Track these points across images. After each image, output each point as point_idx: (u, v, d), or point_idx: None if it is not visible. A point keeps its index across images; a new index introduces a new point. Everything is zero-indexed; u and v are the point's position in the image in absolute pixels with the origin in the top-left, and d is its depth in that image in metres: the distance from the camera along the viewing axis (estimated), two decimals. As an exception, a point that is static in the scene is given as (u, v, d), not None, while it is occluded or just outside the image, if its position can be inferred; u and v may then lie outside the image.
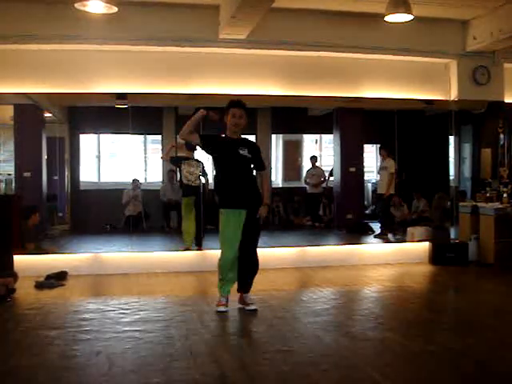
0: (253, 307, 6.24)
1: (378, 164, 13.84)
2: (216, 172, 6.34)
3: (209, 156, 6.48)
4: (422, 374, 4.36)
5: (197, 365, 4.49)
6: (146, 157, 13.60)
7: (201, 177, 9.85)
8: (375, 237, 11.01)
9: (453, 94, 9.84)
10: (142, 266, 8.64)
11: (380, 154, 11.65)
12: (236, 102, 6.16)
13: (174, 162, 10.14)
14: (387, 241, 10.48)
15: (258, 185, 6.32)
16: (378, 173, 11.74)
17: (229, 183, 6.16)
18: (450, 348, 4.95)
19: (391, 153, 10.97)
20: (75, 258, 8.71)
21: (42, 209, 10.03)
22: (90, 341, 5.13)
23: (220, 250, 6.28)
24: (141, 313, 6.16)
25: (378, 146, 14.12)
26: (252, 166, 6.23)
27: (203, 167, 9.91)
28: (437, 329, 5.71)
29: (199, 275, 8.43)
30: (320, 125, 13.47)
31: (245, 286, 6.34)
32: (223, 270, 6.23)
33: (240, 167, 6.13)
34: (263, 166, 6.37)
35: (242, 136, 6.27)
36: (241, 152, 6.06)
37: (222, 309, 6.17)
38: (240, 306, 6.33)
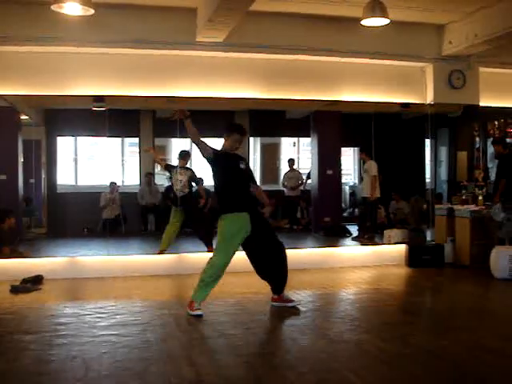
0: (295, 303, 6.53)
1: (356, 167, 13.97)
2: (219, 182, 6.48)
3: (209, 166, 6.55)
4: (398, 376, 4.39)
5: (173, 368, 4.47)
6: (123, 160, 13.54)
7: (192, 183, 9.79)
8: (366, 238, 11.02)
9: (429, 98, 9.93)
10: (119, 270, 8.60)
11: (360, 157, 11.69)
12: (243, 130, 6.55)
13: (168, 169, 10.04)
14: (374, 243, 10.49)
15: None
16: (362, 176, 11.75)
17: (233, 192, 6.39)
18: (427, 350, 4.98)
19: (369, 155, 11.02)
20: (51, 261, 8.63)
21: (18, 212, 9.95)
22: (66, 345, 5.09)
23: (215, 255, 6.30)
24: (117, 317, 6.13)
25: (356, 148, 14.25)
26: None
27: (193, 174, 9.84)
28: (413, 330, 5.74)
29: (176, 278, 8.42)
30: (298, 128, 13.53)
31: (283, 285, 6.59)
32: (212, 273, 6.17)
33: (242, 178, 6.45)
34: (254, 180, 6.81)
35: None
36: (241, 166, 6.44)
37: (197, 313, 6.16)
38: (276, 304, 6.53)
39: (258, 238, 6.37)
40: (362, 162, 11.71)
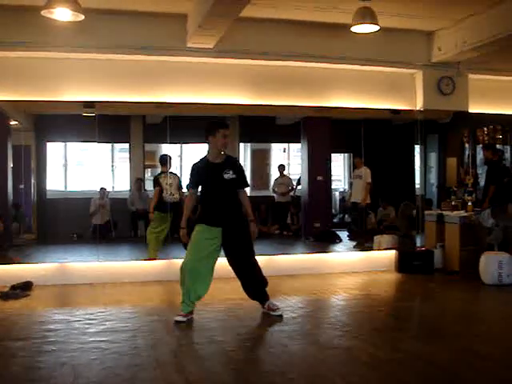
0: (277, 313, 6.39)
1: (346, 174, 13.98)
2: (201, 193, 6.51)
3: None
4: (388, 382, 4.40)
5: (163, 375, 4.47)
6: (113, 165, 13.52)
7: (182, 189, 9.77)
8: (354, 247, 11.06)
9: (418, 104, 9.96)
10: (109, 276, 8.57)
11: (354, 162, 11.69)
12: (222, 122, 6.53)
13: (154, 181, 9.95)
14: (364, 248, 10.51)
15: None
16: (351, 181, 11.75)
17: (210, 204, 6.38)
18: (416, 355, 4.99)
19: (363, 161, 11.05)
20: (41, 267, 8.58)
21: (8, 218, 9.91)
22: (55, 352, 5.07)
23: None
24: (107, 323, 6.11)
25: (346, 154, 14.29)
26: (235, 184, 6.40)
27: (180, 179, 9.83)
28: (403, 336, 5.76)
29: (166, 284, 8.39)
30: (288, 134, 13.54)
31: (257, 298, 6.56)
32: (181, 275, 6.22)
33: (223, 190, 6.35)
34: (246, 183, 6.64)
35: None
36: (225, 176, 6.29)
37: (179, 319, 6.15)
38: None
39: (230, 254, 6.42)
40: (353, 167, 11.70)
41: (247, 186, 6.66)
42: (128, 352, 5.10)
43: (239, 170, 6.47)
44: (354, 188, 11.50)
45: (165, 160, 9.80)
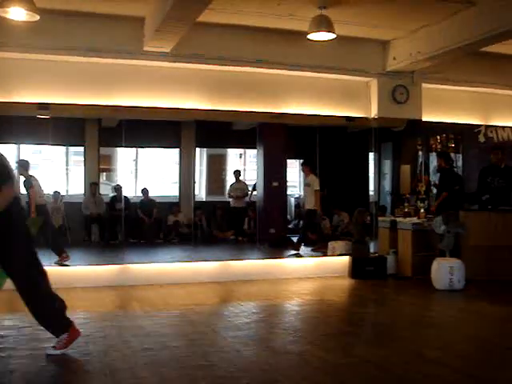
0: (50, 351, 5.09)
1: (301, 179, 14.05)
2: None
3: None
4: (338, 387, 4.44)
5: (115, 382, 4.42)
6: (67, 169, 13.35)
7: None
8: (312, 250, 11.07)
9: (373, 112, 10.11)
10: (61, 281, 8.32)
11: (302, 170, 11.75)
12: None
13: (25, 184, 9.29)
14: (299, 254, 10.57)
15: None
16: (304, 188, 11.74)
17: None
18: (368, 360, 5.04)
19: (313, 168, 11.11)
20: (-9, 272, 8.41)
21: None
22: (4, 359, 4.97)
23: None
24: (58, 329, 6.01)
25: (302, 161, 14.36)
26: None
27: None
28: (355, 341, 5.82)
29: (119, 290, 8.31)
30: (244, 139, 13.57)
31: (48, 327, 5.24)
32: None
33: None
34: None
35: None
36: None
37: None
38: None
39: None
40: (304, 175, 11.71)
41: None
42: (80, 358, 5.03)
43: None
44: (305, 196, 11.49)
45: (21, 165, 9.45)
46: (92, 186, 12.63)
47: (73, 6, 8.10)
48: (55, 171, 12.91)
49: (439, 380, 4.56)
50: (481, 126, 11.40)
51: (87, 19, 8.39)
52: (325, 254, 10.37)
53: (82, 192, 12.89)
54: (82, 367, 4.77)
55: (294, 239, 11.43)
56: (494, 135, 11.50)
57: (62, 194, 12.37)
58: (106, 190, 13.18)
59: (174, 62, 8.87)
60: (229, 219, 13.50)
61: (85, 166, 13.07)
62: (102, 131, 12.86)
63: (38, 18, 6.84)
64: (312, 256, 10.54)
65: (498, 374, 4.70)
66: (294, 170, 14.59)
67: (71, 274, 8.63)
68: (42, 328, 5.90)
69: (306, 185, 11.31)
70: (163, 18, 7.39)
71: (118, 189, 12.75)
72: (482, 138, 11.56)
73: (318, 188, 11.00)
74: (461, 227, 8.84)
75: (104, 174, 14.24)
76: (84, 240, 12.11)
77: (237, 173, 13.61)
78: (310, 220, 11.30)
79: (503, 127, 11.40)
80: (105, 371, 4.67)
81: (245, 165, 14.81)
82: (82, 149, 13.16)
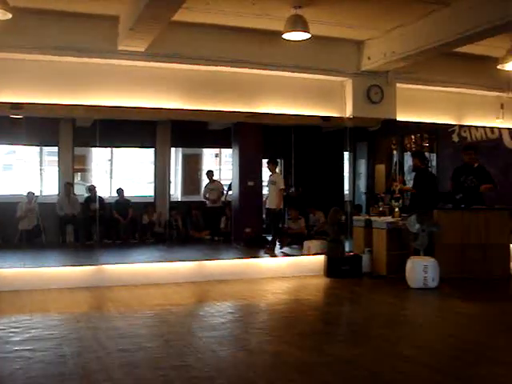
0: None
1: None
2: None
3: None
4: (314, 386, 4.46)
5: (89, 383, 4.39)
6: (41, 169, 13.24)
7: None
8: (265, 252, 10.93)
9: (348, 112, 10.14)
10: (36, 282, 8.35)
11: (268, 167, 11.59)
12: None
13: None
14: (274, 255, 10.56)
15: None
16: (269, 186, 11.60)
17: None
18: (343, 359, 5.07)
19: (275, 167, 11.10)
20: (-37, 274, 8.31)
21: None
22: (-23, 361, 4.92)
23: None
24: (32, 331, 5.96)
25: (278, 160, 14.38)
26: None
27: None
28: (331, 340, 5.85)
29: (94, 291, 8.25)
30: (220, 139, 13.57)
31: None
32: None
33: None
34: None
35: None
36: None
37: None
38: None
39: None
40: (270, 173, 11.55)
41: None
42: (54, 360, 4.99)
43: None
44: (269, 194, 11.39)
45: None
46: (66, 186, 12.53)
47: (46, 4, 8.00)
48: (29, 171, 12.80)
49: (414, 377, 4.61)
50: (454, 125, 11.50)
51: (61, 18, 8.30)
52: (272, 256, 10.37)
53: (57, 192, 12.79)
54: (56, 369, 4.72)
55: (270, 239, 11.44)
56: (467, 135, 11.63)
57: (36, 194, 12.26)
58: (80, 191, 13.09)
59: (149, 61, 8.81)
60: (205, 219, 13.47)
61: (59, 166, 12.98)
62: (77, 131, 12.78)
63: (10, 16, 6.75)
64: (287, 255, 10.58)
65: (472, 370, 4.75)
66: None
67: (46, 275, 8.52)
68: (14, 330, 5.87)
69: (271, 182, 11.21)
70: (138, 16, 7.34)
71: (91, 189, 12.67)
72: (455, 138, 11.68)
73: (283, 187, 11.00)
74: (435, 226, 8.92)
75: (79, 174, 14.16)
76: (59, 241, 12.00)
77: (210, 173, 13.60)
78: (277, 220, 11.27)
79: (476, 127, 11.52)
80: (79, 373, 4.64)
81: (220, 164, 14.81)
82: (56, 149, 13.07)
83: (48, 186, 13.13)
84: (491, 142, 11.39)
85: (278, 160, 12.06)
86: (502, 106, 10.80)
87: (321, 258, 9.67)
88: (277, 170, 11.27)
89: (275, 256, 10.49)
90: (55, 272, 8.68)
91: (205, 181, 13.99)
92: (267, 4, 8.05)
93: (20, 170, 12.77)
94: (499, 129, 11.19)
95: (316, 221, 12.64)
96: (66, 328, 6.23)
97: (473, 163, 9.68)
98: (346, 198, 12.00)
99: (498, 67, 9.21)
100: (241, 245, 11.76)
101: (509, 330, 6.26)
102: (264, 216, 11.60)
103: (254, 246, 11.45)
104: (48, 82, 8.74)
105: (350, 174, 11.92)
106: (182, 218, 13.26)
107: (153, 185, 13.80)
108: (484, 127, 11.48)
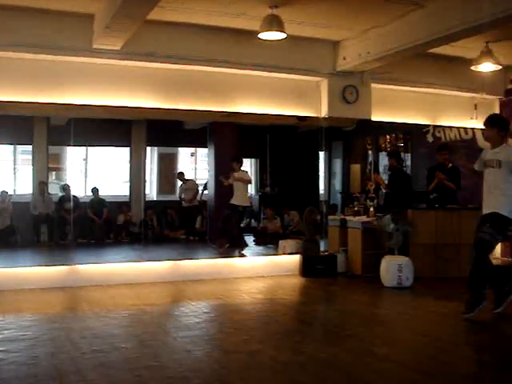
0: None
1: (253, 178, 14.06)
2: None
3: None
4: (288, 385, 4.47)
5: (63, 384, 4.36)
6: (15, 168, 13.12)
7: None
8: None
9: (323, 111, 10.17)
10: (8, 283, 8.25)
11: (232, 166, 11.11)
12: None
13: None
14: (243, 255, 10.51)
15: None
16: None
17: None
18: (317, 358, 5.09)
19: (264, 167, 11.10)
20: None
21: None
22: None
23: None
24: (5, 332, 5.89)
25: (253, 160, 14.41)
26: None
27: None
28: (306, 339, 5.87)
29: (68, 291, 8.18)
30: (196, 138, 13.55)
31: None
32: None
33: None
34: None
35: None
36: None
37: None
38: None
39: None
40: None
41: None
42: (27, 362, 4.93)
43: None
44: (235, 190, 10.96)
45: None
46: (40, 185, 12.44)
47: (20, 1, 7.91)
48: (3, 170, 12.67)
49: (388, 376, 4.63)
50: (429, 126, 11.59)
51: (35, 15, 8.20)
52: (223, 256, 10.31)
53: (31, 192, 12.68)
54: (29, 370, 4.67)
55: (246, 238, 11.43)
56: (441, 135, 11.72)
57: (9, 193, 12.15)
58: (55, 190, 12.98)
59: (124, 59, 8.75)
60: (180, 218, 13.43)
61: (33, 165, 12.88)
62: (51, 130, 12.68)
63: (-18, 13, 6.70)
64: (263, 255, 10.59)
65: (445, 369, 4.78)
66: (245, 169, 14.59)
67: (19, 275, 8.44)
68: (-13, 331, 5.79)
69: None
70: (113, 15, 7.29)
71: (65, 188, 12.59)
72: (430, 138, 11.77)
73: (249, 178, 10.97)
74: (409, 225, 8.99)
75: (53, 173, 14.04)
76: (33, 241, 11.90)
77: (181, 175, 13.59)
78: (241, 219, 11.22)
79: (450, 127, 11.62)
80: (53, 374, 4.60)
81: (196, 164, 14.78)
82: (30, 147, 12.96)
83: (22, 185, 13.01)
84: (465, 142, 11.49)
85: (247, 159, 11.95)
86: (475, 107, 10.91)
87: (296, 258, 9.70)
88: (242, 168, 11.14)
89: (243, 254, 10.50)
90: (28, 272, 8.59)
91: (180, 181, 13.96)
92: (243, 3, 8.05)
93: (-7, 169, 12.64)
94: (473, 129, 11.30)
95: (290, 221, 12.68)
96: (39, 329, 6.17)
97: (447, 163, 9.77)
98: (322, 198, 12.05)
99: (472, 68, 9.33)
100: (216, 244, 11.64)
101: (483, 328, 6.33)
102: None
103: (229, 245, 11.42)
104: (22, 80, 8.63)
105: (326, 173, 11.97)
106: (157, 218, 13.22)
107: (128, 184, 13.73)
108: (458, 127, 11.59)
